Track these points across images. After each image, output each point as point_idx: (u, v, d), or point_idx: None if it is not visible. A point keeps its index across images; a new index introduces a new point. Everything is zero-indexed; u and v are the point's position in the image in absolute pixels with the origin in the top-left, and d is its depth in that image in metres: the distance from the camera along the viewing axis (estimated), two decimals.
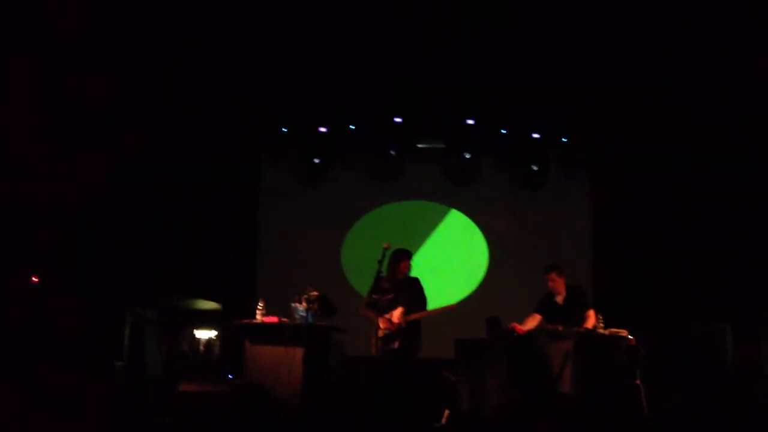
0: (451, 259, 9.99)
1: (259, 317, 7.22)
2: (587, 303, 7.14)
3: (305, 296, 7.09)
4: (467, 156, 9.61)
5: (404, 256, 7.49)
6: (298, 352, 6.89)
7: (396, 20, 8.14)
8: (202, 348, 8.77)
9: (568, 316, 6.97)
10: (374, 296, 7.20)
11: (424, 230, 10.05)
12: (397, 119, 9.40)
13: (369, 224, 10.07)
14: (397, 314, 7.20)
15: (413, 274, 7.58)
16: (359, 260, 9.81)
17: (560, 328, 6.75)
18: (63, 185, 8.42)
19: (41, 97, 8.08)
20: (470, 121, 9.39)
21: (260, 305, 7.27)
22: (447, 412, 6.40)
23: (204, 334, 8.80)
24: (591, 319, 6.89)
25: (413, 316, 7.24)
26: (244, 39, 8.47)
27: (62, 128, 8.27)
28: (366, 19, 8.15)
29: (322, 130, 9.59)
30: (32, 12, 7.58)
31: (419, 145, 9.96)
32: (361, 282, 9.67)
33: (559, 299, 7.29)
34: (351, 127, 9.62)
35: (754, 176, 8.63)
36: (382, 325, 7.12)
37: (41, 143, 8.30)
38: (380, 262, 6.93)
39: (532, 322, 7.16)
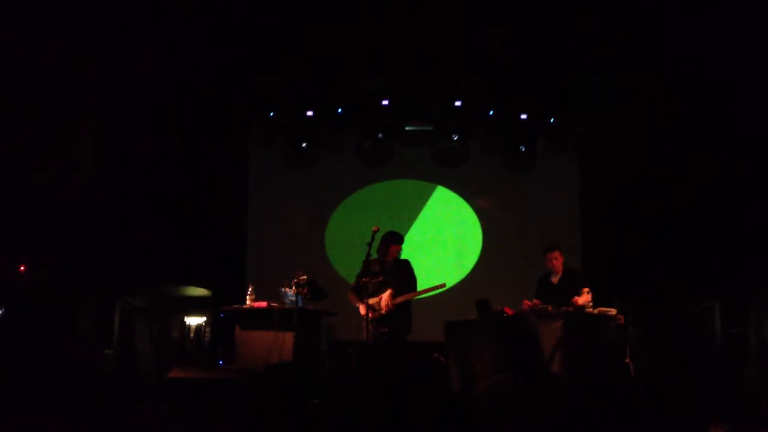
0: (444, 241, 9.97)
1: (248, 302, 7.21)
2: (583, 282, 7.13)
3: (295, 280, 7.09)
4: (455, 138, 9.59)
5: (394, 240, 7.47)
6: (289, 337, 6.90)
7: (383, 3, 8.09)
8: (192, 334, 8.75)
9: (561, 297, 6.99)
10: (364, 279, 7.19)
11: (412, 209, 10.01)
12: (384, 102, 9.36)
13: (353, 204, 10.04)
14: (385, 297, 7.20)
15: (405, 256, 7.58)
16: (342, 240, 9.82)
17: (550, 308, 6.78)
18: (50, 172, 8.37)
19: (29, 83, 8.01)
20: (457, 103, 9.36)
21: (250, 290, 7.27)
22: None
23: (194, 321, 8.78)
24: (583, 296, 6.88)
25: (401, 298, 7.24)
26: (232, 25, 8.41)
27: (49, 113, 8.21)
28: (353, 1, 8.10)
29: (310, 114, 9.55)
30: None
31: (407, 128, 9.93)
32: (342, 261, 9.68)
33: (555, 279, 7.32)
34: (338, 110, 9.58)
35: (743, 158, 8.64)
36: (363, 311, 7.11)
37: (28, 130, 8.24)
38: (369, 245, 6.90)
39: None
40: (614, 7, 8.08)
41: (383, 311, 7.19)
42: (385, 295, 7.20)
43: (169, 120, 9.11)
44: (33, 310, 7.90)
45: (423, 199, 10.07)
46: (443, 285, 7.43)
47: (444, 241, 9.96)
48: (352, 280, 8.63)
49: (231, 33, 8.49)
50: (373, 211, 9.87)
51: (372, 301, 7.15)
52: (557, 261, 7.30)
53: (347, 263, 9.35)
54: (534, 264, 8.10)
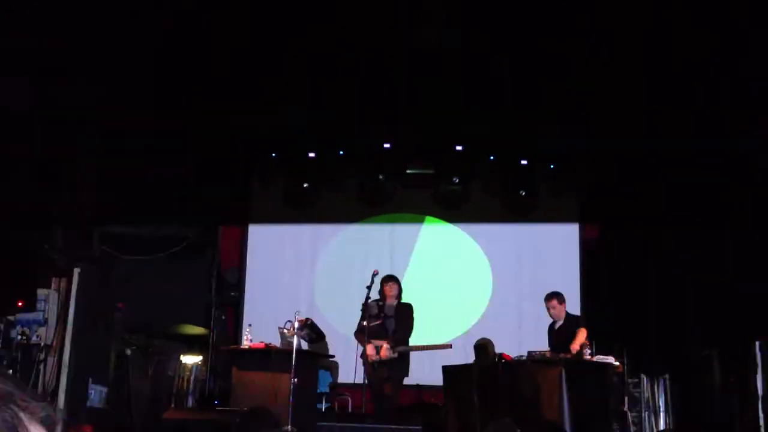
0: (447, 283, 9.86)
1: (246, 343, 7.18)
2: (578, 324, 7.12)
3: (293, 322, 7.07)
4: (456, 181, 9.65)
5: (385, 280, 7.42)
6: (286, 378, 6.86)
7: (385, 48, 8.19)
8: (188, 374, 8.68)
9: (563, 343, 6.97)
10: (363, 322, 7.16)
11: (407, 244, 9.97)
12: (386, 145, 9.44)
13: (344, 242, 10.03)
14: (384, 348, 7.11)
15: (408, 298, 7.54)
16: (330, 279, 9.77)
17: (548, 354, 6.75)
18: (51, 206, 8.40)
19: (30, 117, 8.06)
20: (459, 147, 9.43)
21: (247, 330, 7.25)
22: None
23: (190, 360, 8.72)
24: (578, 339, 6.85)
25: (402, 349, 7.18)
26: (236, 64, 8.50)
27: (48, 152, 8.26)
28: (355, 46, 8.20)
29: (312, 155, 9.62)
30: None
31: (408, 171, 9.99)
32: (328, 299, 9.64)
33: (558, 326, 7.31)
34: (340, 152, 9.65)
35: (744, 203, 8.66)
36: (369, 352, 7.08)
37: (32, 167, 8.28)
38: (368, 287, 6.90)
39: None
40: (612, 52, 8.16)
41: (382, 358, 7.10)
42: (384, 347, 7.11)
43: (171, 158, 9.16)
44: (30, 345, 7.87)
45: (415, 232, 10.03)
46: (450, 346, 7.40)
47: (447, 283, 9.90)
48: (335, 321, 8.64)
49: (235, 72, 8.58)
50: (369, 248, 9.85)
51: (372, 344, 7.14)
52: (554, 310, 7.29)
53: (332, 300, 9.35)
54: (534, 307, 8.09)
